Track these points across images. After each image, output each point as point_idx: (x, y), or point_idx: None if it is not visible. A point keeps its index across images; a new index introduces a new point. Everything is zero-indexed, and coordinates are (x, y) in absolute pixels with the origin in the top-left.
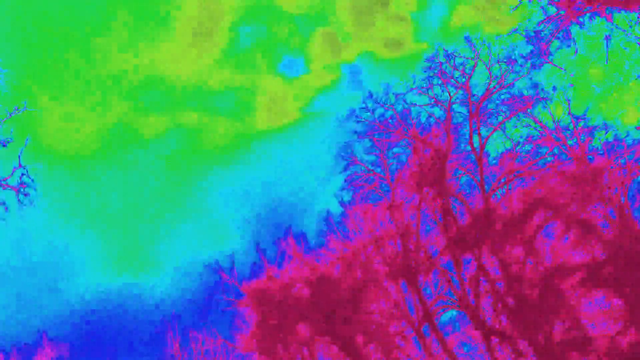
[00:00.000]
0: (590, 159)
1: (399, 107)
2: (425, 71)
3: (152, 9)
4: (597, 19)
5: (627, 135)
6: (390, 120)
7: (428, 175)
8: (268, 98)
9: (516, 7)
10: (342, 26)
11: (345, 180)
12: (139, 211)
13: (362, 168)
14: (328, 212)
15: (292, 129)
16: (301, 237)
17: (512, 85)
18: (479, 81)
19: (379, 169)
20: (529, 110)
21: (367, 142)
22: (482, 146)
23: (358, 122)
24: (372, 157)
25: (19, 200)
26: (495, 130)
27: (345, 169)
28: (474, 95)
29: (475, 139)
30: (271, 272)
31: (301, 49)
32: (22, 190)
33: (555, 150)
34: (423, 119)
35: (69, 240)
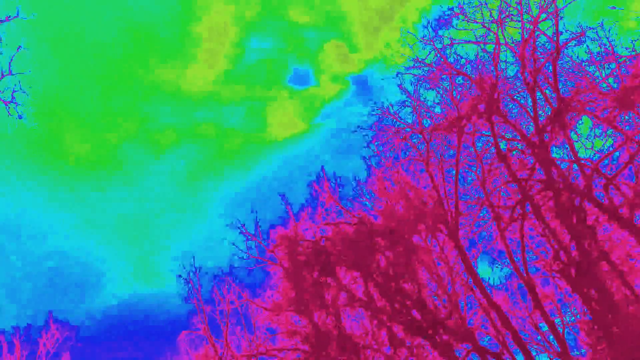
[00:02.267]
0: None
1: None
2: None
3: (165, 25)
4: None
5: None
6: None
7: (473, 110)
8: (278, 109)
9: None
10: (349, 38)
11: (375, 136)
12: (153, 219)
13: (393, 121)
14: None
15: (301, 139)
16: (337, 179)
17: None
18: None
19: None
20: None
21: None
22: (536, 71)
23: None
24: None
25: (9, 114)
26: (548, 59)
27: (375, 122)
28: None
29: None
30: (301, 221)
31: (310, 61)
32: (13, 102)
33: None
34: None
35: (86, 246)
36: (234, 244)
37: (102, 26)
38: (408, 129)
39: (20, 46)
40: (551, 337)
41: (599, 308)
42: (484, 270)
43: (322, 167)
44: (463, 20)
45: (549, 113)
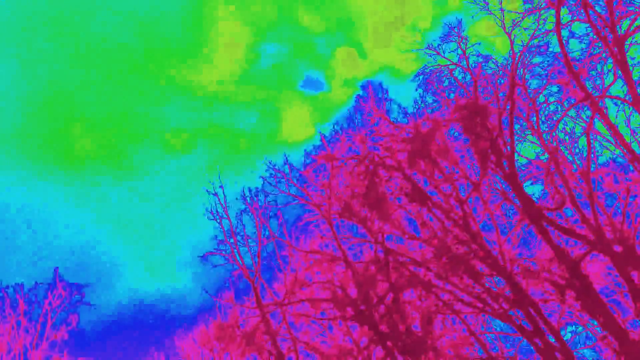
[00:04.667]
0: None
1: None
2: None
3: (180, 27)
4: None
5: None
6: None
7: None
8: (289, 114)
9: None
10: (361, 44)
11: (417, 75)
12: (165, 218)
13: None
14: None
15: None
16: (384, 92)
17: None
18: None
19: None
20: None
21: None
22: None
23: None
24: None
25: None
26: None
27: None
28: None
29: None
30: (342, 141)
31: (321, 67)
32: None
33: None
34: None
35: (99, 241)
36: (262, 178)
37: (117, 27)
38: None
39: None
40: None
41: None
42: None
43: (368, 80)
44: None
45: None
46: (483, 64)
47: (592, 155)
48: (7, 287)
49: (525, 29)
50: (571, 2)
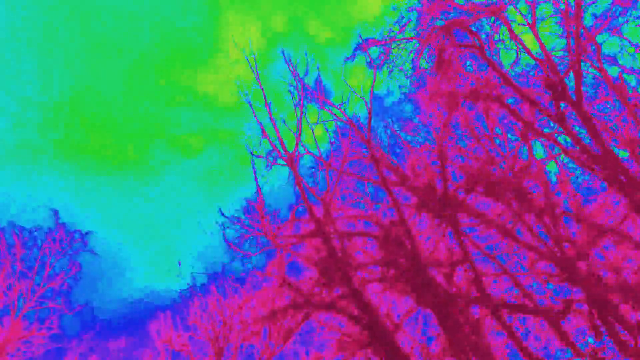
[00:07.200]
0: None
1: None
2: None
3: (194, 36)
4: None
5: None
6: None
7: None
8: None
9: None
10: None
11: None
12: (175, 219)
13: None
14: None
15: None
16: None
17: None
18: None
19: None
20: None
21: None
22: None
23: None
24: None
25: None
26: None
27: None
28: None
29: None
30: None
31: (331, 77)
32: None
33: None
34: None
35: (109, 240)
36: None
37: (134, 35)
38: None
39: None
40: None
41: None
42: None
43: None
44: None
45: None
46: None
47: None
48: (4, 228)
49: None
50: None
